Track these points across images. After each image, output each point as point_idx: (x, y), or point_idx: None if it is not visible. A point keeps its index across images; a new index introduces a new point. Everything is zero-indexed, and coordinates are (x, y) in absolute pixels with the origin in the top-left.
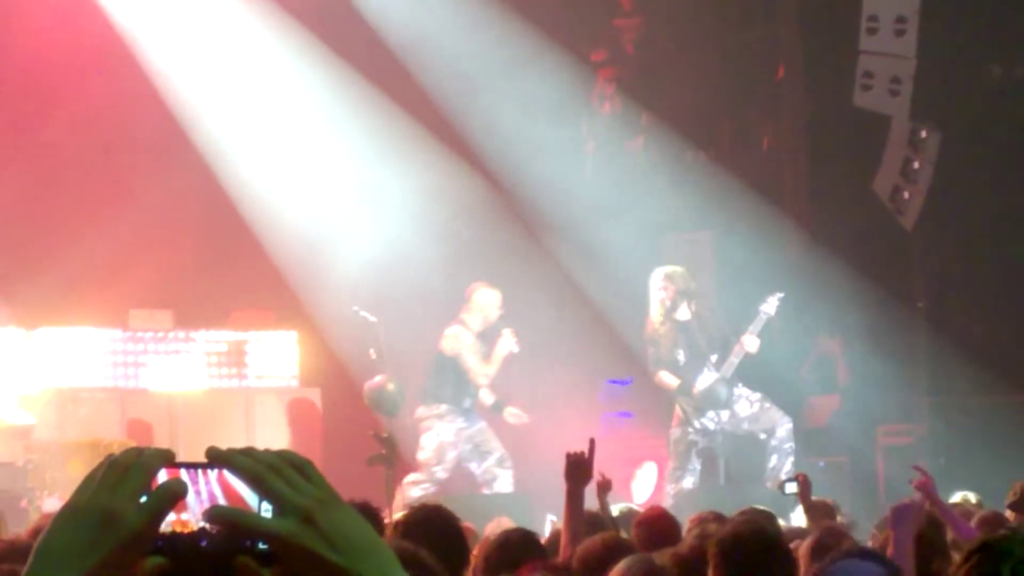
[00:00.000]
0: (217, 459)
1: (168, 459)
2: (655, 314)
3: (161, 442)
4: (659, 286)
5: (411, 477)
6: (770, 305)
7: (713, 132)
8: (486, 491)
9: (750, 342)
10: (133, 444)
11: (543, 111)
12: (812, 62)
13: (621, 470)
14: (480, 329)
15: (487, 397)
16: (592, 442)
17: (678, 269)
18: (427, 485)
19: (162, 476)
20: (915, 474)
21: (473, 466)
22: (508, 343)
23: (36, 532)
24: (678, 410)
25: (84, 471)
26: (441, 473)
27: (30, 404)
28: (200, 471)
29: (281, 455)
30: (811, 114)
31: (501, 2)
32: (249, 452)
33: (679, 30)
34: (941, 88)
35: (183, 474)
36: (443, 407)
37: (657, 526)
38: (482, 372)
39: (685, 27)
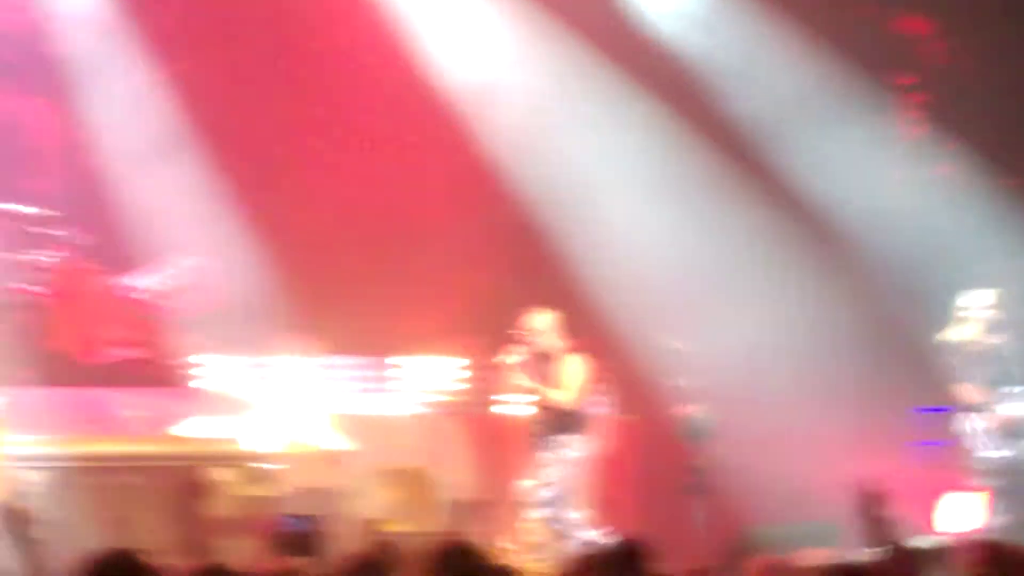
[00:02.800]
0: None
1: None
2: (973, 331)
3: (463, 467)
4: (986, 305)
5: None
6: None
7: None
8: None
9: None
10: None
11: (851, 139)
12: None
13: (929, 501)
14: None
15: None
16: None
17: (1005, 293)
18: None
19: None
20: None
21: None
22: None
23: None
24: (975, 432)
25: (395, 498)
26: None
27: (344, 430)
28: None
29: None
30: None
31: (805, 31)
32: None
33: (986, 51)
34: None
35: None
36: None
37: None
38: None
39: (992, 47)
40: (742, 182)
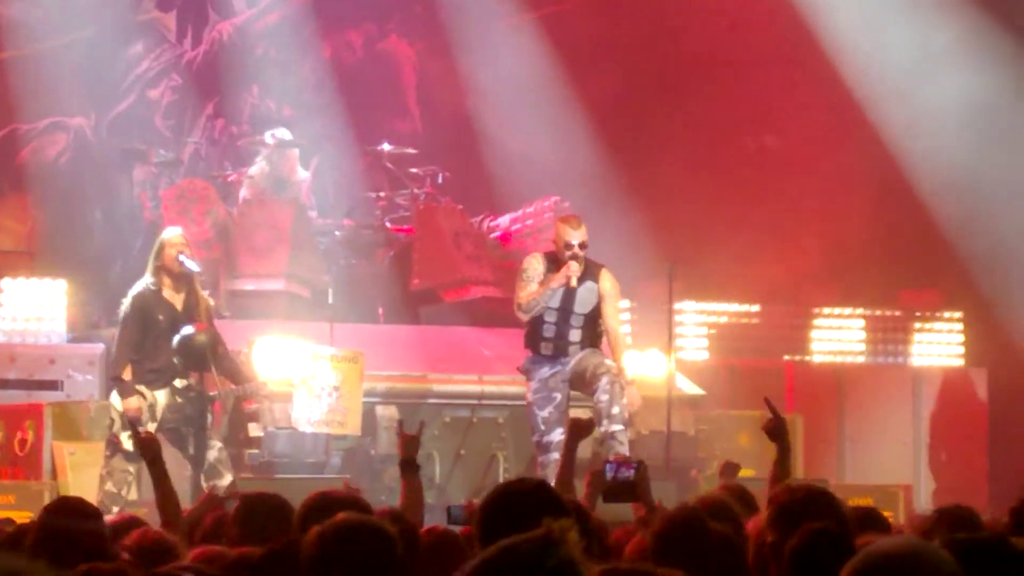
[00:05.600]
0: None
1: None
2: None
3: (827, 414)
4: None
5: None
6: None
7: None
8: None
9: None
10: (795, 417)
11: None
12: None
13: None
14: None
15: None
16: None
17: None
18: None
19: None
20: None
21: None
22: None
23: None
24: None
25: (752, 444)
26: None
27: (699, 375)
28: None
29: None
30: None
31: None
32: None
33: None
34: None
35: None
36: None
37: None
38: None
39: None
40: None
